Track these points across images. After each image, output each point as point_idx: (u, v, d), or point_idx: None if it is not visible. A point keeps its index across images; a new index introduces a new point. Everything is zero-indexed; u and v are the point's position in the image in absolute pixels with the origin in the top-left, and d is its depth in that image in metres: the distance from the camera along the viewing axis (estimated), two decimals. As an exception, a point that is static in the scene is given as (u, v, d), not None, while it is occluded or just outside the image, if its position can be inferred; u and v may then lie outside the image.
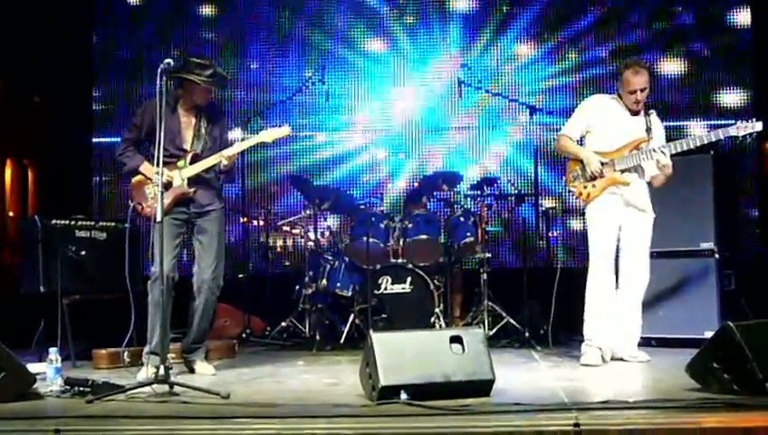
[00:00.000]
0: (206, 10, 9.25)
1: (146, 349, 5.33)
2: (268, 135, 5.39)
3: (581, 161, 5.58)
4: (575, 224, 8.41)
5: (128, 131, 5.59)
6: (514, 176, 8.70)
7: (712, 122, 8.14)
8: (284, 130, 5.41)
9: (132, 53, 9.15)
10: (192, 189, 5.40)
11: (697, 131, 5.43)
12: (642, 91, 5.49)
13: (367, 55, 8.99)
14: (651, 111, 5.65)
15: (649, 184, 5.64)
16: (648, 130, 5.53)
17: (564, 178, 5.81)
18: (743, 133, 5.30)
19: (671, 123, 7.94)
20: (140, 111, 5.53)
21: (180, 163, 5.38)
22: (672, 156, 5.49)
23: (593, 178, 5.53)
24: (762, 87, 8.31)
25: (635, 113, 5.58)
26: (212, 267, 5.46)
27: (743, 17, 8.50)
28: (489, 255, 7.25)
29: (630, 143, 5.52)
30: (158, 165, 4.77)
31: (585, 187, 5.58)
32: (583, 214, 5.75)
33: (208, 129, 5.51)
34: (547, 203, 8.13)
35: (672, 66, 8.61)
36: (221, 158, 5.33)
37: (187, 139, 5.47)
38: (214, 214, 5.52)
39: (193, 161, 5.39)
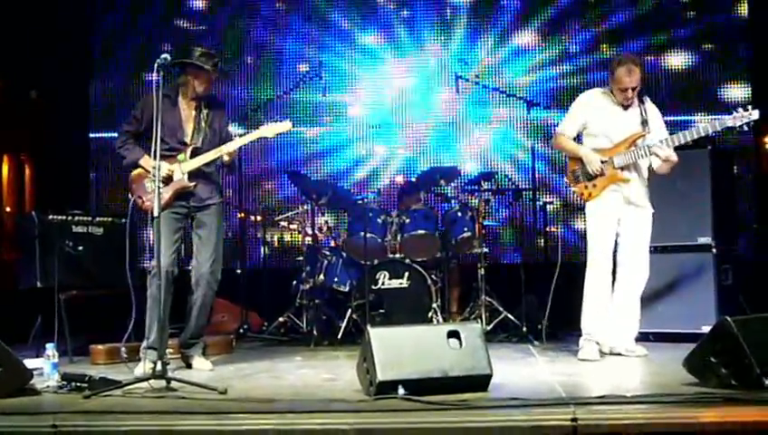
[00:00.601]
0: (203, 5, 9.21)
1: (143, 344, 5.32)
2: (269, 130, 5.38)
3: (581, 160, 5.59)
4: (573, 218, 8.41)
5: (127, 124, 5.57)
6: (512, 170, 8.69)
7: (711, 117, 8.12)
8: (285, 125, 5.39)
9: (131, 49, 9.13)
10: (192, 183, 5.39)
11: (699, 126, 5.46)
12: (633, 89, 5.49)
13: (364, 50, 8.98)
14: (645, 97, 5.65)
15: (649, 177, 5.63)
16: (645, 122, 5.53)
17: (565, 177, 5.81)
18: (739, 123, 5.29)
19: (672, 118, 7.94)
20: (140, 103, 5.51)
21: (181, 157, 5.37)
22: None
23: (594, 177, 5.53)
24: (760, 80, 8.29)
25: (628, 106, 5.57)
26: (210, 261, 5.45)
27: (741, 10, 8.50)
28: (487, 250, 7.24)
29: (627, 139, 5.51)
30: (155, 159, 4.77)
31: (586, 186, 5.59)
32: (582, 209, 5.75)
33: (209, 121, 5.49)
34: (545, 198, 8.11)
35: (672, 61, 8.60)
36: (221, 153, 5.32)
37: (187, 132, 5.45)
38: (213, 208, 5.51)
39: (193, 155, 5.38)
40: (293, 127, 5.46)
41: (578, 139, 5.74)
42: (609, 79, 5.60)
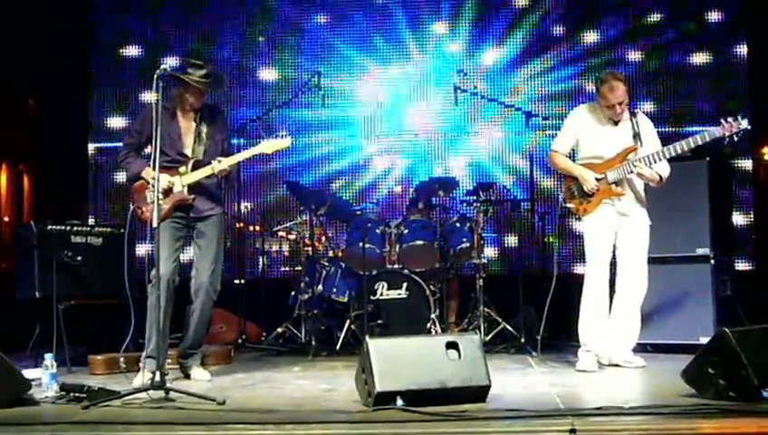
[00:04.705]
0: (205, 17, 9.22)
1: (144, 353, 5.32)
2: (269, 146, 5.38)
3: (576, 178, 5.61)
4: (571, 229, 8.41)
5: (128, 136, 5.61)
6: (511, 181, 8.69)
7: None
8: (285, 142, 5.40)
9: (130, 59, 9.15)
10: (192, 196, 5.41)
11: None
12: (620, 104, 5.50)
13: (363, 60, 8.99)
14: (637, 110, 5.66)
15: (646, 189, 5.65)
16: (636, 135, 5.53)
17: (561, 193, 5.83)
18: (729, 133, 5.27)
19: (668, 129, 7.98)
20: (141, 116, 5.56)
21: (182, 169, 5.40)
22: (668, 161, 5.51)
23: (590, 195, 5.55)
24: (758, 88, 8.32)
25: (618, 121, 5.58)
26: (209, 271, 5.46)
27: (738, 23, 8.55)
28: (485, 260, 7.24)
29: (620, 154, 5.53)
30: (154, 169, 4.79)
31: (581, 202, 5.61)
32: (579, 219, 5.76)
33: (209, 132, 5.51)
34: (543, 208, 8.11)
35: (668, 73, 8.63)
36: (219, 167, 5.31)
37: (187, 144, 5.47)
38: (213, 219, 5.52)
39: (194, 168, 5.39)
40: (293, 141, 5.45)
41: (573, 155, 5.76)
42: (597, 96, 5.62)
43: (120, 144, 5.75)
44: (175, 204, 5.38)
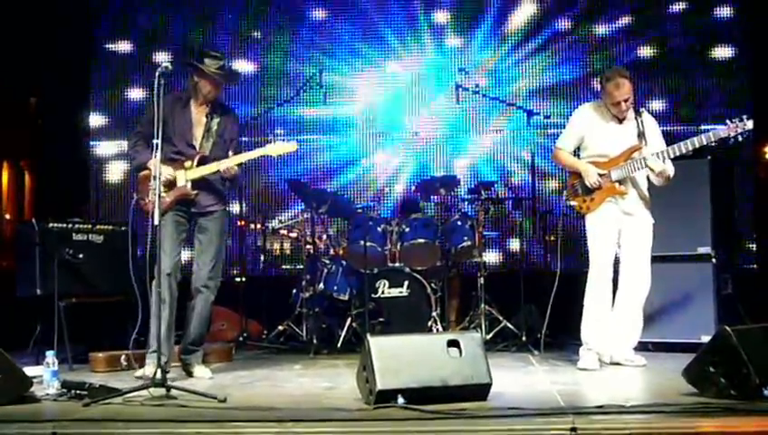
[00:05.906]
0: (206, 15, 9.21)
1: (150, 348, 5.32)
2: (274, 149, 5.36)
3: (580, 174, 5.60)
4: (573, 227, 8.39)
5: (139, 125, 5.60)
6: (512, 179, 8.70)
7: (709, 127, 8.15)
8: (291, 146, 5.38)
9: (131, 57, 9.15)
10: (194, 192, 5.40)
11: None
12: (626, 101, 5.49)
13: (364, 59, 8.99)
14: (641, 110, 5.65)
15: (650, 188, 5.64)
16: (641, 134, 5.53)
17: (565, 191, 5.82)
18: (733, 134, 5.25)
19: (673, 128, 7.98)
20: (153, 105, 5.53)
21: (187, 164, 5.38)
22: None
23: (592, 191, 5.55)
24: (759, 89, 8.32)
25: (624, 119, 5.58)
26: (209, 266, 5.45)
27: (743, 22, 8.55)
28: (486, 259, 7.23)
29: (625, 152, 5.52)
30: (159, 165, 4.79)
31: (584, 200, 5.61)
32: (582, 218, 5.76)
33: (219, 130, 5.50)
34: (545, 206, 8.12)
35: (669, 72, 8.63)
36: (222, 166, 5.30)
37: (196, 135, 5.46)
38: (216, 214, 5.51)
39: (200, 163, 5.38)
40: (298, 145, 5.44)
41: (577, 153, 5.76)
42: (602, 94, 5.62)
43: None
44: (177, 198, 5.38)
